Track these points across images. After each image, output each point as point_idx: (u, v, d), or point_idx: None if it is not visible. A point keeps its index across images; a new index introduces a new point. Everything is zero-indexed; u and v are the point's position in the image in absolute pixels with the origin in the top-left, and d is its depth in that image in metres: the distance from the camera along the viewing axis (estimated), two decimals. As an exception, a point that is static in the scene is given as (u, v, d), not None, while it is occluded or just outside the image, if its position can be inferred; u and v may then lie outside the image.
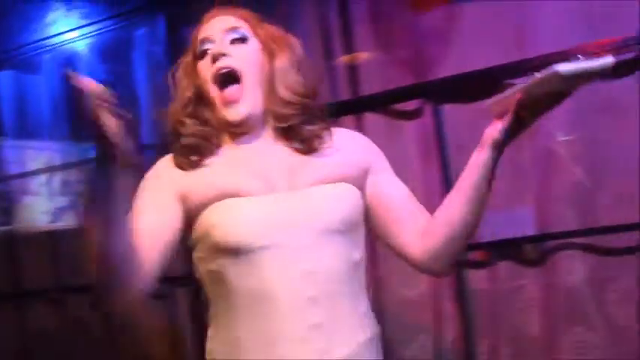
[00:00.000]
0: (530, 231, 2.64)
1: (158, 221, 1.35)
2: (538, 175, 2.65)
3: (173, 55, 3.18)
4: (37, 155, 3.67)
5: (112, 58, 3.41)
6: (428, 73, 2.76)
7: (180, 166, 1.40)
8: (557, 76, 1.13)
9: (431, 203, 1.49)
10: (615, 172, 2.53)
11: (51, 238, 3.58)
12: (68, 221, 3.57)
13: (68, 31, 3.41)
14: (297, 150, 1.41)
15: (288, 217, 1.34)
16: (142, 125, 3.29)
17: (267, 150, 1.41)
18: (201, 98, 1.41)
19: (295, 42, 1.48)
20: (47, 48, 3.47)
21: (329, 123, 1.46)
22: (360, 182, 1.43)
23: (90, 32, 3.39)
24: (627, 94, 2.50)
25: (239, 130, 1.41)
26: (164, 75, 3.21)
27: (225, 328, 1.36)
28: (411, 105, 2.69)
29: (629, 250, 2.52)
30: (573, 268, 2.58)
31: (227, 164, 1.39)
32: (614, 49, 2.49)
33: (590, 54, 2.46)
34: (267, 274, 1.32)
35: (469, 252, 2.62)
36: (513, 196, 2.68)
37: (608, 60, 1.19)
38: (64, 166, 3.53)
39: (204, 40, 1.41)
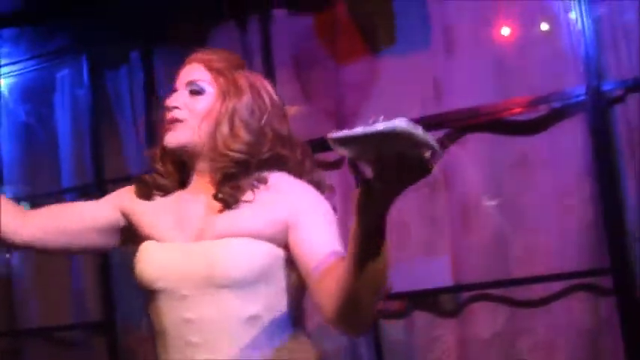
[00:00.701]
0: (446, 282, 2.67)
1: (82, 208, 1.56)
2: (453, 226, 2.69)
3: (95, 97, 3.15)
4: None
5: (34, 99, 3.35)
6: (349, 124, 2.79)
7: (138, 195, 1.53)
8: (396, 135, 0.97)
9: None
10: (527, 225, 2.60)
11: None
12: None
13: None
14: (222, 200, 1.43)
15: (181, 267, 1.41)
16: (62, 168, 3.23)
17: (197, 200, 1.47)
18: None
19: (256, 90, 1.48)
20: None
21: (266, 172, 1.45)
22: (275, 235, 1.41)
23: (11, 72, 3.32)
24: (537, 150, 2.59)
25: (180, 158, 1.49)
26: (86, 117, 3.18)
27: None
28: (331, 156, 2.70)
29: (541, 302, 2.58)
30: (488, 319, 2.62)
31: (164, 207, 1.50)
32: (526, 106, 2.60)
33: (500, 111, 2.57)
34: (162, 315, 1.42)
35: (385, 302, 2.64)
36: (429, 246, 2.72)
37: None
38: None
39: (173, 90, 1.50)
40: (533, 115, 2.61)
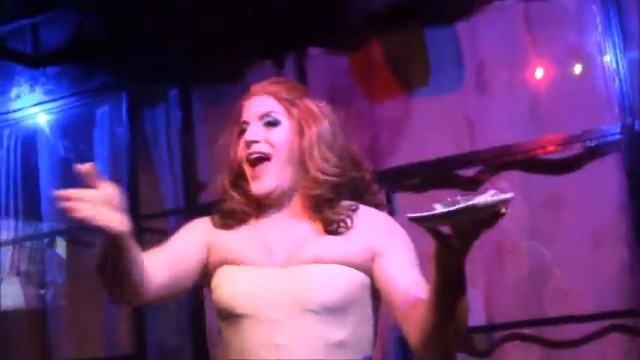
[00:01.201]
0: (479, 321, 2.65)
1: (181, 250, 1.50)
2: (487, 264, 2.69)
3: (133, 133, 3.23)
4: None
5: (73, 134, 3.44)
6: (382, 161, 2.83)
7: (216, 226, 1.53)
8: (475, 209, 1.05)
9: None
10: (561, 264, 2.59)
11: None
12: (15, 300, 3.51)
13: (31, 106, 3.43)
14: (317, 225, 1.46)
15: (271, 291, 1.41)
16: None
17: (284, 224, 1.48)
18: (242, 171, 1.52)
19: (328, 116, 1.50)
20: (8, 122, 3.49)
21: (362, 198, 1.49)
22: (363, 264, 1.43)
23: (52, 108, 3.42)
24: (571, 189, 2.59)
25: (266, 202, 1.50)
26: (123, 153, 3.25)
27: None
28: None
29: (575, 342, 2.55)
30: (521, 359, 2.60)
31: (247, 233, 1.50)
32: (560, 144, 2.61)
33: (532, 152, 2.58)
34: (245, 340, 1.41)
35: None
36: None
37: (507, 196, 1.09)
38: (14, 242, 3.49)
39: (244, 123, 1.51)
40: (567, 153, 2.62)
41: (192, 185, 3.09)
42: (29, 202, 3.45)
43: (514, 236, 2.64)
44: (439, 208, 1.07)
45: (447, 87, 2.81)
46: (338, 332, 1.40)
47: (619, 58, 2.49)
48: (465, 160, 2.69)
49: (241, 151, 1.49)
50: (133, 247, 1.30)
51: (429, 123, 2.80)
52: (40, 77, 3.44)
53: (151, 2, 3.04)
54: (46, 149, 3.44)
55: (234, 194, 1.51)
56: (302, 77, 2.97)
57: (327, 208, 1.45)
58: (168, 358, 3.06)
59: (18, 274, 3.50)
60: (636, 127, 2.46)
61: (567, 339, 2.56)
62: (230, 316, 1.44)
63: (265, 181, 1.46)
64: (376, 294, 1.45)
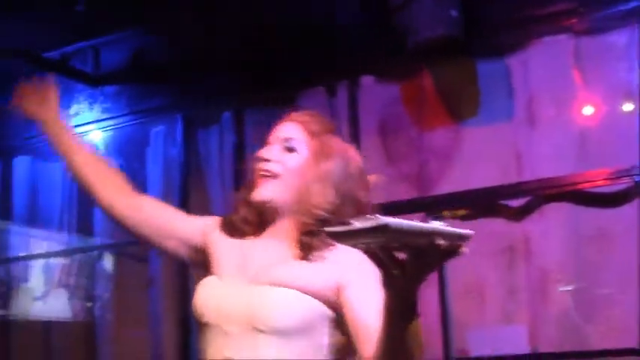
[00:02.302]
0: (524, 350, 2.67)
1: (180, 214, 1.69)
2: (532, 295, 2.71)
3: (186, 153, 3.32)
4: (40, 243, 3.74)
5: (128, 152, 3.54)
6: (429, 188, 2.88)
7: (220, 228, 1.62)
8: (386, 228, 1.01)
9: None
10: (606, 298, 2.60)
11: (44, 327, 3.59)
12: (62, 312, 3.59)
13: (89, 123, 3.55)
14: (292, 252, 1.51)
15: (230, 305, 1.49)
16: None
17: (266, 244, 1.55)
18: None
19: (346, 156, 1.56)
20: (66, 138, 3.60)
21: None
22: (325, 295, 1.47)
23: (109, 126, 3.53)
24: (618, 223, 2.62)
25: (261, 210, 1.56)
26: (176, 172, 3.32)
27: None
28: (413, 217, 2.77)
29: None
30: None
31: (235, 247, 1.57)
32: (609, 179, 2.64)
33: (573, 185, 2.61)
34: (208, 348, 1.50)
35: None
36: (507, 314, 2.74)
37: (462, 232, 1.05)
38: (64, 254, 3.58)
39: (267, 144, 1.59)
40: (614, 188, 2.65)
41: (242, 205, 3.17)
42: (82, 216, 3.55)
43: (560, 269, 2.66)
44: (356, 225, 1.04)
45: (496, 118, 2.87)
46: (285, 355, 1.43)
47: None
48: (513, 190, 2.73)
49: (253, 166, 1.56)
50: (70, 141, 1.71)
51: (477, 152, 2.85)
52: (98, 96, 3.57)
53: (208, 29, 3.17)
54: (101, 166, 3.53)
55: (242, 209, 1.58)
56: (353, 104, 3.04)
57: (308, 236, 1.49)
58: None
59: (66, 286, 3.59)
60: (685, 162, 2.49)
61: (611, 372, 2.57)
62: (200, 323, 1.52)
63: (265, 190, 1.52)
64: (339, 325, 1.46)
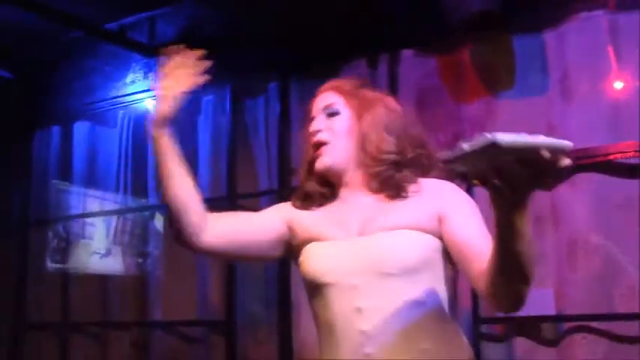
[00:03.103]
0: (549, 312, 2.79)
1: (260, 221, 1.69)
2: (559, 261, 2.82)
3: (234, 121, 3.50)
4: (97, 203, 3.97)
5: (180, 120, 3.71)
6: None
7: (296, 207, 1.71)
8: (496, 146, 1.03)
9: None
10: (632, 263, 2.70)
11: (100, 281, 3.84)
12: (117, 267, 3.82)
13: (143, 92, 3.75)
14: (383, 198, 1.60)
15: (349, 260, 1.54)
16: (200, 182, 3.58)
17: (353, 200, 1.64)
18: (314, 160, 1.69)
19: (386, 103, 1.67)
20: (123, 104, 3.83)
21: (429, 175, 1.61)
22: (433, 228, 1.55)
23: (162, 95, 3.72)
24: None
25: (329, 179, 1.67)
26: (224, 139, 3.48)
27: (320, 351, 1.61)
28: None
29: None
30: (587, 351, 2.72)
31: (323, 213, 1.67)
32: (637, 151, 2.73)
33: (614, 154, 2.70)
34: (331, 307, 1.55)
35: (487, 325, 2.82)
36: (535, 278, 2.85)
37: (562, 143, 1.06)
38: (118, 213, 3.81)
39: (311, 119, 1.70)
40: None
41: (285, 170, 3.34)
42: (136, 178, 3.77)
43: (587, 234, 2.77)
44: (465, 147, 1.05)
45: (531, 91, 2.96)
46: (415, 292, 1.49)
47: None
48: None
49: (309, 142, 1.68)
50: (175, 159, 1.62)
51: (512, 124, 2.95)
52: (153, 66, 3.76)
53: (256, 2, 3.32)
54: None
55: (310, 180, 1.68)
56: (393, 76, 3.18)
57: (387, 181, 1.59)
58: (255, 325, 3.30)
59: (120, 243, 3.83)
60: None
61: (635, 335, 2.67)
62: (316, 287, 1.56)
63: (325, 157, 1.63)
64: (447, 256, 1.53)
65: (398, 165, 1.60)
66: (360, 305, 1.49)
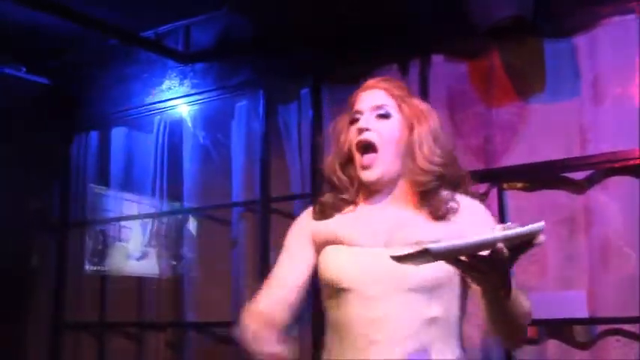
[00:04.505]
0: (581, 315, 2.79)
1: (293, 275, 1.70)
2: (592, 264, 2.82)
3: (267, 126, 3.56)
4: (134, 207, 4.05)
5: (213, 125, 3.80)
6: (495, 161, 3.02)
7: (316, 217, 1.73)
8: (429, 254, 1.16)
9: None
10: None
11: (136, 283, 3.92)
12: (152, 269, 3.90)
13: (179, 98, 3.83)
14: (419, 212, 1.61)
15: (371, 270, 1.56)
16: (233, 186, 3.65)
17: (387, 208, 1.65)
18: (350, 156, 1.71)
19: (435, 116, 1.70)
20: (159, 110, 3.91)
21: (457, 190, 1.65)
22: None
23: (197, 100, 3.80)
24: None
25: (372, 189, 1.68)
26: (257, 144, 3.53)
27: (327, 352, 1.65)
28: (479, 188, 2.92)
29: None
30: (620, 354, 2.72)
31: (349, 217, 1.68)
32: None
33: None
34: (345, 313, 1.57)
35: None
36: (567, 281, 2.86)
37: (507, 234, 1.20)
38: (154, 217, 3.88)
39: (357, 112, 1.70)
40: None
41: (318, 174, 3.38)
42: (171, 183, 3.83)
43: (619, 236, 2.77)
44: (406, 251, 1.19)
45: (562, 96, 2.96)
46: (432, 309, 1.54)
47: None
48: (575, 163, 2.85)
49: (352, 137, 1.67)
50: None
51: (543, 128, 2.97)
52: (188, 72, 3.86)
53: (290, 9, 3.38)
54: (189, 136, 3.81)
55: (341, 176, 1.69)
56: (424, 81, 3.21)
57: (432, 196, 1.60)
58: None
59: (156, 246, 3.90)
60: None
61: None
62: (335, 291, 1.58)
63: (374, 170, 1.63)
64: (464, 279, 1.57)
65: (442, 178, 1.63)
66: (375, 316, 1.52)
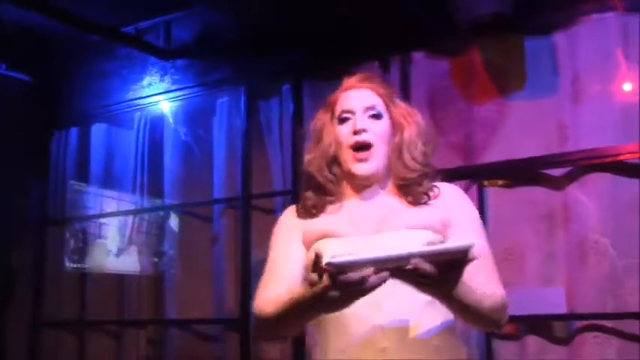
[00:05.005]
0: (560, 311, 2.82)
1: (290, 271, 1.68)
2: (570, 260, 2.84)
3: (248, 122, 3.56)
4: (114, 204, 4.03)
5: (194, 121, 3.79)
6: (475, 157, 3.04)
7: (301, 216, 1.73)
8: (330, 265, 1.24)
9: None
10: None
11: (116, 280, 3.90)
12: (133, 266, 3.88)
13: (160, 94, 3.82)
14: (403, 201, 1.69)
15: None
16: (214, 182, 3.64)
17: (372, 200, 1.70)
18: (336, 156, 1.73)
19: (420, 117, 1.76)
20: (139, 106, 3.89)
21: (436, 181, 1.71)
22: (443, 232, 1.62)
23: (178, 96, 3.79)
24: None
25: (362, 183, 1.72)
26: (239, 140, 3.52)
27: (319, 347, 1.63)
28: (458, 185, 2.92)
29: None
30: (598, 350, 2.74)
31: (338, 214, 1.71)
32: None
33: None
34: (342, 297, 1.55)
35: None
36: (546, 278, 2.88)
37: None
38: (134, 213, 3.87)
39: (347, 112, 1.72)
40: (653, 160, 2.76)
41: (299, 171, 3.37)
42: (152, 179, 3.82)
43: (598, 233, 2.79)
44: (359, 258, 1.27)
45: (541, 93, 2.98)
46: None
47: None
48: (554, 160, 2.87)
49: (346, 137, 1.69)
50: None
51: (522, 125, 2.99)
52: (169, 68, 3.84)
53: (271, 6, 3.37)
54: (170, 132, 3.80)
55: (328, 175, 1.71)
56: (405, 78, 3.22)
57: (415, 187, 1.68)
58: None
59: (136, 243, 3.89)
60: None
61: (644, 334, 2.69)
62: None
63: (370, 164, 1.68)
64: None
65: (425, 176, 1.70)
66: (381, 300, 1.50)
